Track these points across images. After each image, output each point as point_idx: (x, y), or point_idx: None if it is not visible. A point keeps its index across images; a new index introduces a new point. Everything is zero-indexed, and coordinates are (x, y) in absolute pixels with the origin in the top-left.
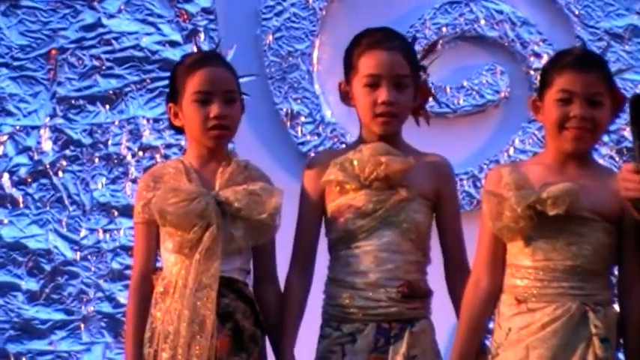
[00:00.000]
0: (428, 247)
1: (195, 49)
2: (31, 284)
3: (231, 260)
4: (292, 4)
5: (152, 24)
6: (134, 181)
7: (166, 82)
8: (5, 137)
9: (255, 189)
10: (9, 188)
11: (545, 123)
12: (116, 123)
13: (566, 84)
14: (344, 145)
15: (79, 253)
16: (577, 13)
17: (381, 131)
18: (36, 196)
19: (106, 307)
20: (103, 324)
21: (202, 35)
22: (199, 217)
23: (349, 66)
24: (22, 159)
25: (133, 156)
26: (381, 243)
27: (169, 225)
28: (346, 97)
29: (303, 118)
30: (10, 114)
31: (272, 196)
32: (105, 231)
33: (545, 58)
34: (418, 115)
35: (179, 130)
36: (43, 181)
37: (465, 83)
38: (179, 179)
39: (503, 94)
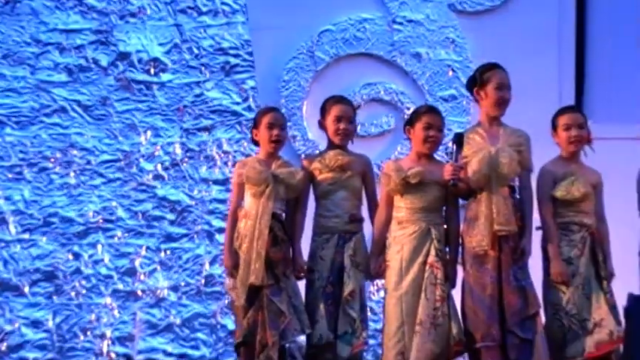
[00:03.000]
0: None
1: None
2: None
3: (277, 203)
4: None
5: None
6: None
7: None
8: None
9: (292, 170)
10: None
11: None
12: None
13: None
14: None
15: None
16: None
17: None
18: None
19: None
20: None
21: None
22: (264, 181)
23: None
24: None
25: None
26: (340, 197)
27: (250, 183)
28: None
29: (298, 137)
30: None
31: (299, 173)
32: None
33: (410, 109)
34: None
35: (257, 144)
36: None
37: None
38: (255, 164)
39: (392, 127)
